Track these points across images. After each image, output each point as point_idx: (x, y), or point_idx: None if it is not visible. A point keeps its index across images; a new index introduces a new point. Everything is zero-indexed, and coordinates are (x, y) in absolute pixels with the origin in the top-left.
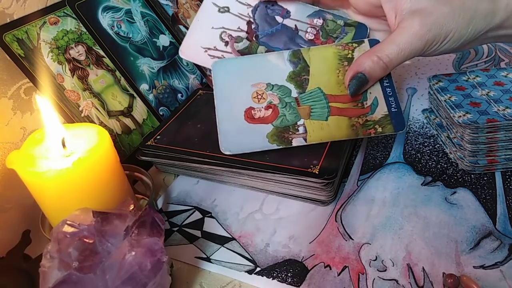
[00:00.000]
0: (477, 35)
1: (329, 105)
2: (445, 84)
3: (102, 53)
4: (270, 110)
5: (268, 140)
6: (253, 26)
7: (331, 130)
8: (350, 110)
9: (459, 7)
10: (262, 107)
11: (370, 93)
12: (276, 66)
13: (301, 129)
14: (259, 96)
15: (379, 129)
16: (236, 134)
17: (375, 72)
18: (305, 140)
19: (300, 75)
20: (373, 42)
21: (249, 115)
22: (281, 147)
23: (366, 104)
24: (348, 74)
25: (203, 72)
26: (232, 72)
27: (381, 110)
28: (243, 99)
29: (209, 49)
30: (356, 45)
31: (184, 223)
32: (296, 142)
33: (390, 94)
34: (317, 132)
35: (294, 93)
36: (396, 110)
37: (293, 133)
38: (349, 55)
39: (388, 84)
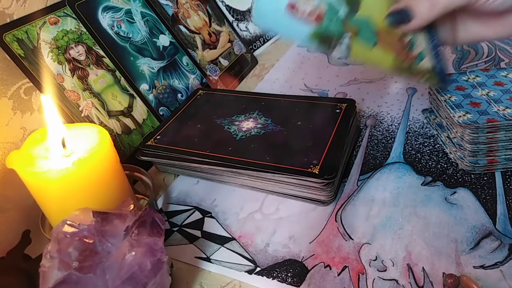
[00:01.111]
0: None
1: (377, 36)
2: None
3: (102, 53)
4: (314, 17)
5: (309, 37)
6: None
7: (376, 57)
8: (397, 48)
9: None
10: (306, 10)
11: (418, 45)
12: None
13: (345, 43)
14: None
15: (425, 78)
16: (274, 14)
17: (420, 10)
18: (348, 54)
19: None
20: None
21: (292, 7)
22: (320, 49)
23: (413, 52)
24: (393, 7)
25: (203, 72)
26: None
27: (427, 63)
28: None
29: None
30: None
31: (184, 223)
32: (338, 52)
33: (437, 55)
34: (362, 52)
35: (343, 13)
36: (441, 69)
37: (337, 43)
38: None
39: (435, 44)
